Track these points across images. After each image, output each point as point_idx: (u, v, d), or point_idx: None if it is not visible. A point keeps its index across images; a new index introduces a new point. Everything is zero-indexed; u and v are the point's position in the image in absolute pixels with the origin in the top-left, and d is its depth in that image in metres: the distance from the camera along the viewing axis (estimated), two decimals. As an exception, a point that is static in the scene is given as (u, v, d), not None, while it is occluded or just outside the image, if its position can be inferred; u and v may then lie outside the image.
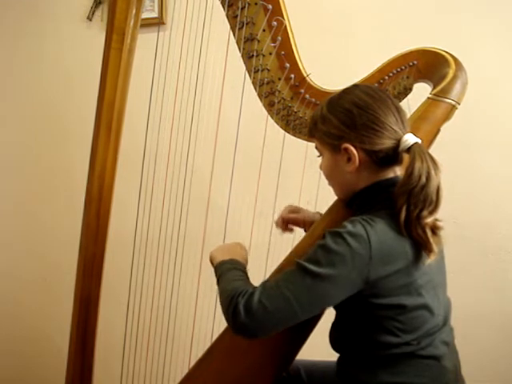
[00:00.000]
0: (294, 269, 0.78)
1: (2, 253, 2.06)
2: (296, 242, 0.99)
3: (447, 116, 0.96)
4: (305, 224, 1.13)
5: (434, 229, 0.78)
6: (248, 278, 0.88)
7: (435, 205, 0.77)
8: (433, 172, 0.77)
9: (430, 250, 0.77)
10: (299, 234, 1.12)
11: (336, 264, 0.74)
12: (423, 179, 0.76)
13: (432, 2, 1.60)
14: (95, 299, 1.09)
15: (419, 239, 0.77)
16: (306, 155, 1.19)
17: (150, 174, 1.28)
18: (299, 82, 1.08)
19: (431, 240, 0.77)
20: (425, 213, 0.77)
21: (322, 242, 0.78)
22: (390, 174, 0.86)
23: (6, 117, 2.03)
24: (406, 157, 0.83)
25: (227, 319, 0.81)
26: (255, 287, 0.80)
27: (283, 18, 1.04)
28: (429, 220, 0.77)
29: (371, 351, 0.84)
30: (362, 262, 0.75)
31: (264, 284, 0.80)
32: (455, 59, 0.99)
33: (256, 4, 1.04)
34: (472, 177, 1.60)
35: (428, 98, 0.97)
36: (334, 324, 0.94)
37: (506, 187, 1.59)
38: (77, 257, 1.09)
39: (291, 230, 1.17)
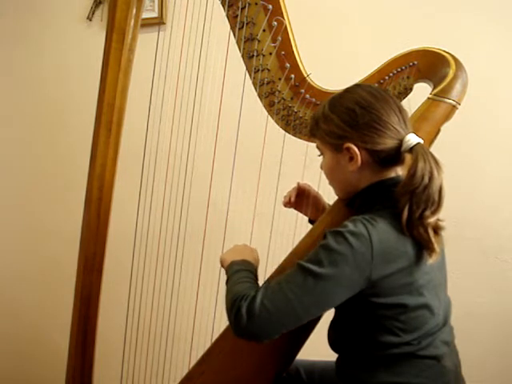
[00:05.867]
0: (296, 270, 0.78)
1: (1, 251, 2.06)
2: (296, 242, 0.99)
3: (447, 116, 0.96)
4: (314, 202, 1.12)
5: (436, 229, 0.78)
6: (256, 279, 0.88)
7: (438, 205, 0.77)
8: (435, 172, 0.77)
9: (432, 250, 0.78)
10: (299, 234, 1.12)
11: (338, 264, 0.74)
12: (426, 179, 0.76)
13: (432, 1, 1.60)
14: (95, 298, 1.09)
15: (421, 239, 0.77)
16: (306, 155, 1.19)
17: (150, 174, 1.28)
18: (299, 82, 1.08)
19: (433, 240, 0.77)
20: (427, 213, 0.77)
21: (323, 242, 0.78)
22: (392, 174, 0.86)
23: (6, 117, 2.03)
24: (407, 157, 0.83)
25: (230, 322, 0.81)
26: (258, 290, 0.79)
27: (283, 18, 1.04)
28: (431, 220, 0.77)
29: (371, 351, 0.84)
30: (364, 261, 0.75)
31: (266, 286, 0.80)
32: (455, 59, 0.99)
33: (256, 4, 1.04)
34: (472, 177, 1.60)
35: (428, 98, 0.97)
36: (332, 323, 0.93)
37: (506, 188, 1.59)
38: (77, 255, 1.09)
39: (293, 205, 1.14)
